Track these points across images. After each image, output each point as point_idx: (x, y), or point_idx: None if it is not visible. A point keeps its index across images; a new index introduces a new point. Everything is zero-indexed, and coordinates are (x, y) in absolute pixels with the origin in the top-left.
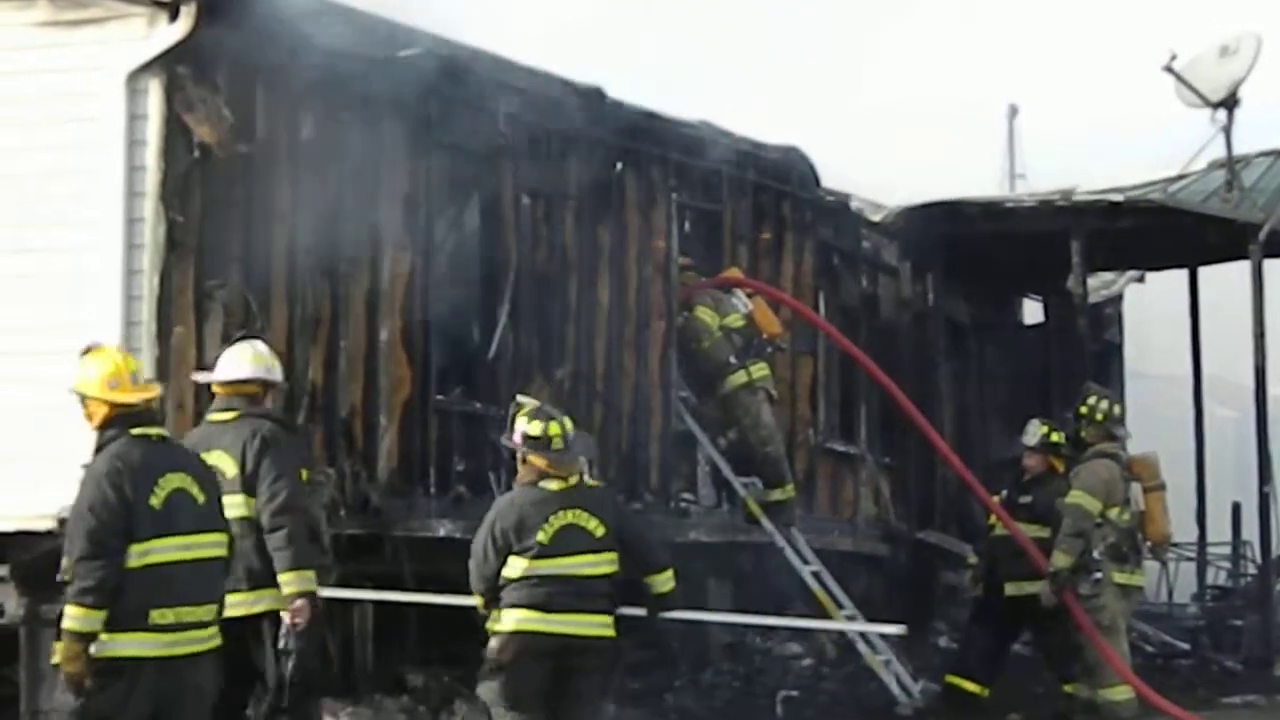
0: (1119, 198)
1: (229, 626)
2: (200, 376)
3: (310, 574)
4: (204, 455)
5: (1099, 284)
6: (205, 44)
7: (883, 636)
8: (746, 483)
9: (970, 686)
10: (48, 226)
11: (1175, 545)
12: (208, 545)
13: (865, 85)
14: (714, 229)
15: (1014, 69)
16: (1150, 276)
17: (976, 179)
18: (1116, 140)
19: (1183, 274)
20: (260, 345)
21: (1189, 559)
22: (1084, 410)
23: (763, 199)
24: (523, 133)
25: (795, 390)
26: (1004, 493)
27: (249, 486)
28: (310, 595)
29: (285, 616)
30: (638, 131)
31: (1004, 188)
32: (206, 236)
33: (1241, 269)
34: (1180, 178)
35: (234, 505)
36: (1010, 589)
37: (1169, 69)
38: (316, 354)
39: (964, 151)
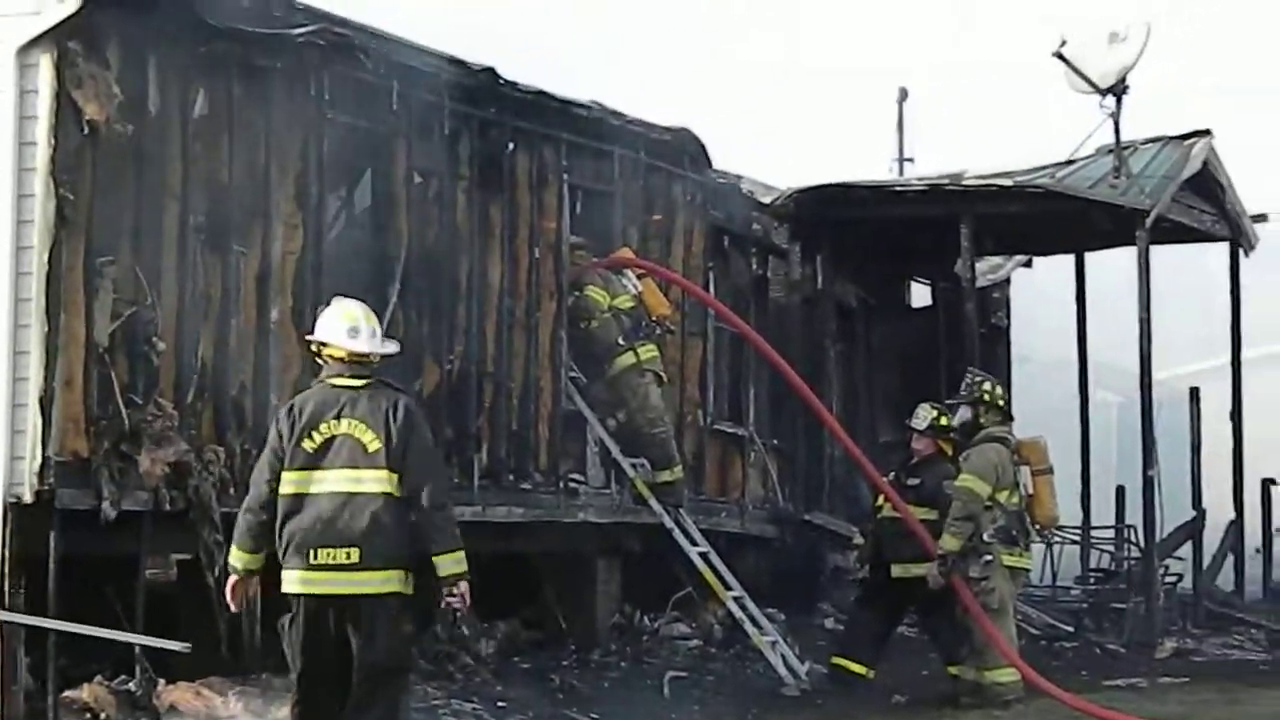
0: (1008, 182)
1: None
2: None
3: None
4: (332, 423)
5: (987, 268)
6: (96, 20)
7: (770, 618)
8: (635, 463)
9: (856, 668)
10: None
11: (1060, 528)
12: None
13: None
14: (605, 210)
15: (904, 51)
16: (1038, 261)
17: (867, 162)
18: (1006, 125)
19: (1070, 259)
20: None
21: (1073, 542)
22: (985, 396)
23: (654, 180)
24: (415, 111)
25: (684, 372)
26: (892, 475)
27: (394, 462)
28: (467, 577)
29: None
30: (530, 111)
31: (894, 171)
32: (96, 213)
33: (1128, 255)
34: (1069, 163)
35: (379, 480)
36: (897, 570)
37: (1059, 55)
38: (207, 332)
39: (855, 134)
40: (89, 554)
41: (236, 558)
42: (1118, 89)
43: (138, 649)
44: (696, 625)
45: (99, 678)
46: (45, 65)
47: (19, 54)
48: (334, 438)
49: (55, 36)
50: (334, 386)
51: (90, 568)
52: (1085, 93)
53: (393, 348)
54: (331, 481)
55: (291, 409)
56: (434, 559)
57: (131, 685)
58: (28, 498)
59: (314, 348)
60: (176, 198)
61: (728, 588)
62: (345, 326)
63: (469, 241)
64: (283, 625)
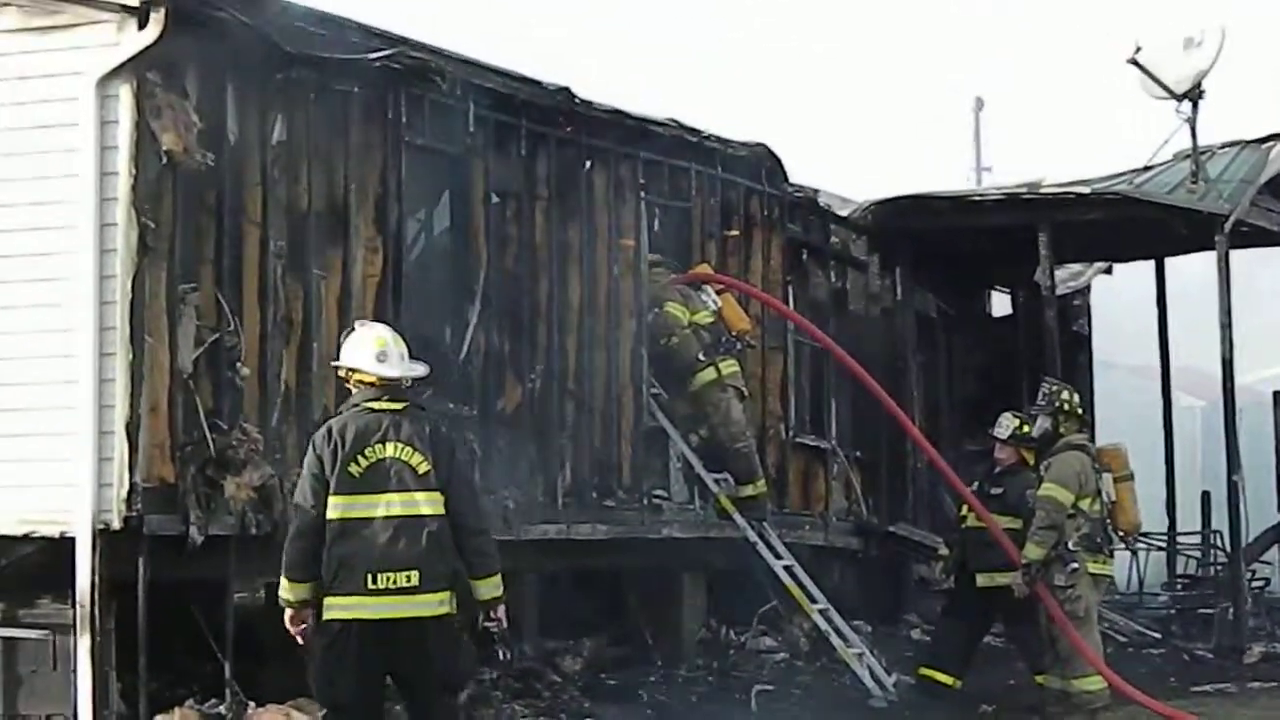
0: (1085, 190)
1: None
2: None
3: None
4: (378, 447)
5: (1067, 275)
6: (174, 50)
7: (856, 630)
8: (718, 478)
9: (943, 678)
10: (20, 232)
11: (1145, 535)
12: None
13: (834, 80)
14: (683, 226)
15: (980, 62)
16: (1118, 267)
17: (944, 172)
18: (1083, 133)
19: (1150, 265)
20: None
21: (1159, 548)
22: (1065, 405)
23: (731, 195)
24: (492, 132)
25: (766, 385)
26: (975, 484)
27: (441, 484)
28: (505, 600)
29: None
30: (606, 129)
31: (971, 181)
32: (178, 241)
33: (1208, 258)
34: (1146, 169)
35: (431, 502)
36: (982, 580)
37: (1134, 61)
38: (290, 356)
39: (932, 145)
40: (177, 579)
41: (290, 590)
42: (1193, 94)
43: (227, 672)
44: (783, 638)
45: (190, 701)
46: (125, 96)
47: (99, 85)
48: (382, 460)
49: (134, 67)
50: (373, 410)
51: (179, 592)
52: (1161, 98)
53: (422, 370)
54: (384, 506)
55: (330, 433)
56: (474, 583)
57: (222, 709)
58: (116, 524)
59: (343, 373)
60: (257, 224)
61: (813, 600)
62: (374, 351)
63: (548, 260)
64: (316, 652)
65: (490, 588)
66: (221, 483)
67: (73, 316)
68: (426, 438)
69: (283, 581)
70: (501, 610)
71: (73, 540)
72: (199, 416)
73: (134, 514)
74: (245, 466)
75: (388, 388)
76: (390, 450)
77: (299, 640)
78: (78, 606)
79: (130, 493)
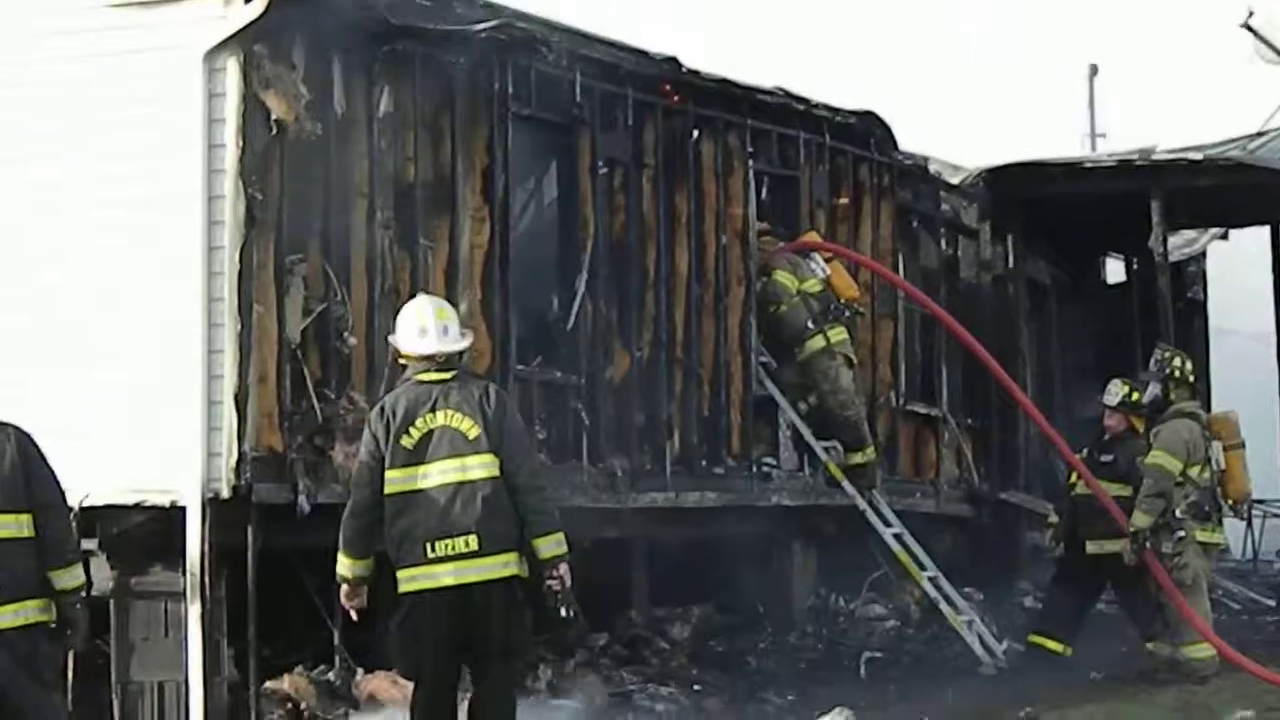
0: (1198, 156)
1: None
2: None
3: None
4: (428, 416)
5: (1182, 242)
6: (281, 22)
7: (967, 597)
8: (828, 446)
9: (1053, 645)
10: (129, 205)
11: (1260, 502)
12: None
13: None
14: (791, 194)
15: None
16: (1237, 232)
17: (1058, 139)
18: (1199, 98)
19: (1265, 230)
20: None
21: (1275, 515)
22: (1175, 372)
23: (840, 163)
24: (598, 102)
25: (876, 353)
26: (1085, 451)
27: (494, 445)
28: (568, 558)
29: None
30: (713, 99)
31: (1086, 147)
32: (286, 212)
33: None
34: (1260, 134)
35: (484, 465)
36: (1092, 547)
37: (1247, 26)
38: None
39: (1045, 112)
40: (286, 546)
41: (347, 566)
42: None
43: (336, 639)
44: (893, 606)
45: (299, 668)
46: (232, 68)
47: (206, 58)
48: (432, 430)
49: (241, 40)
50: (421, 383)
51: (288, 560)
52: (1275, 63)
53: (463, 343)
54: (437, 474)
55: (383, 410)
56: (534, 542)
57: (331, 675)
58: (225, 493)
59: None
60: (364, 195)
61: (923, 568)
62: (415, 327)
63: (655, 230)
64: (393, 626)
65: (551, 545)
66: (329, 451)
67: (181, 288)
68: (476, 402)
69: (339, 558)
70: (564, 569)
71: (183, 509)
72: (306, 386)
73: (243, 483)
74: (353, 436)
75: (435, 359)
76: (440, 419)
77: (353, 616)
78: (188, 574)
79: (239, 462)
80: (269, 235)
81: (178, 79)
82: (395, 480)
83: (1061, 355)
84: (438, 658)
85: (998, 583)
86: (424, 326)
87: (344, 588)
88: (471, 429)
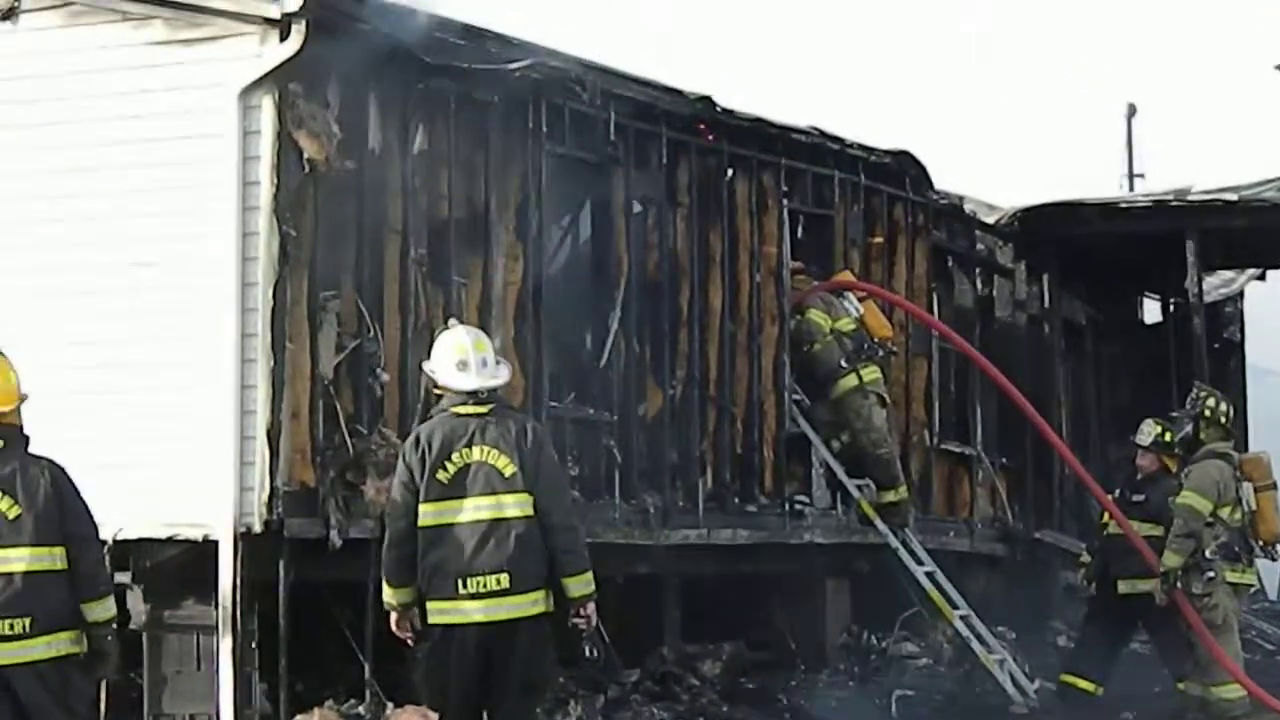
0: (1233, 196)
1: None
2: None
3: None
4: (465, 451)
5: (1219, 282)
6: (316, 60)
7: (999, 636)
8: (860, 484)
9: (1084, 685)
10: (163, 241)
11: None
12: None
13: (984, 86)
14: (826, 233)
15: (1133, 68)
16: (1272, 274)
17: (1096, 179)
18: (1238, 139)
19: None
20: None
21: None
22: (1207, 412)
23: (874, 202)
24: (632, 141)
25: (910, 392)
26: (1118, 491)
27: (529, 484)
28: (594, 598)
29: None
30: (748, 137)
31: (1124, 188)
32: (319, 249)
33: None
34: None
35: (519, 504)
36: (1124, 586)
37: None
38: (420, 364)
39: (1083, 152)
40: (318, 581)
41: (391, 595)
42: None
43: (367, 673)
44: (925, 644)
45: (330, 702)
46: (267, 106)
47: (241, 96)
48: (468, 465)
49: (276, 78)
50: (458, 415)
51: (319, 594)
52: None
53: (503, 378)
54: (471, 509)
55: (418, 441)
56: (563, 581)
57: (361, 709)
58: (257, 527)
59: (429, 377)
60: (397, 232)
61: (955, 606)
62: (454, 360)
63: (689, 268)
64: (420, 655)
65: (580, 585)
66: (361, 487)
67: (215, 323)
68: (513, 439)
69: (384, 587)
70: (591, 608)
71: (215, 543)
72: (339, 421)
73: (275, 517)
74: (385, 471)
75: (473, 392)
76: (477, 454)
77: (409, 642)
78: (220, 608)
79: (271, 496)
80: (303, 271)
81: (213, 116)
82: (429, 514)
83: (1097, 395)
84: (463, 690)
85: (1031, 622)
86: (464, 360)
87: (393, 616)
88: (508, 466)
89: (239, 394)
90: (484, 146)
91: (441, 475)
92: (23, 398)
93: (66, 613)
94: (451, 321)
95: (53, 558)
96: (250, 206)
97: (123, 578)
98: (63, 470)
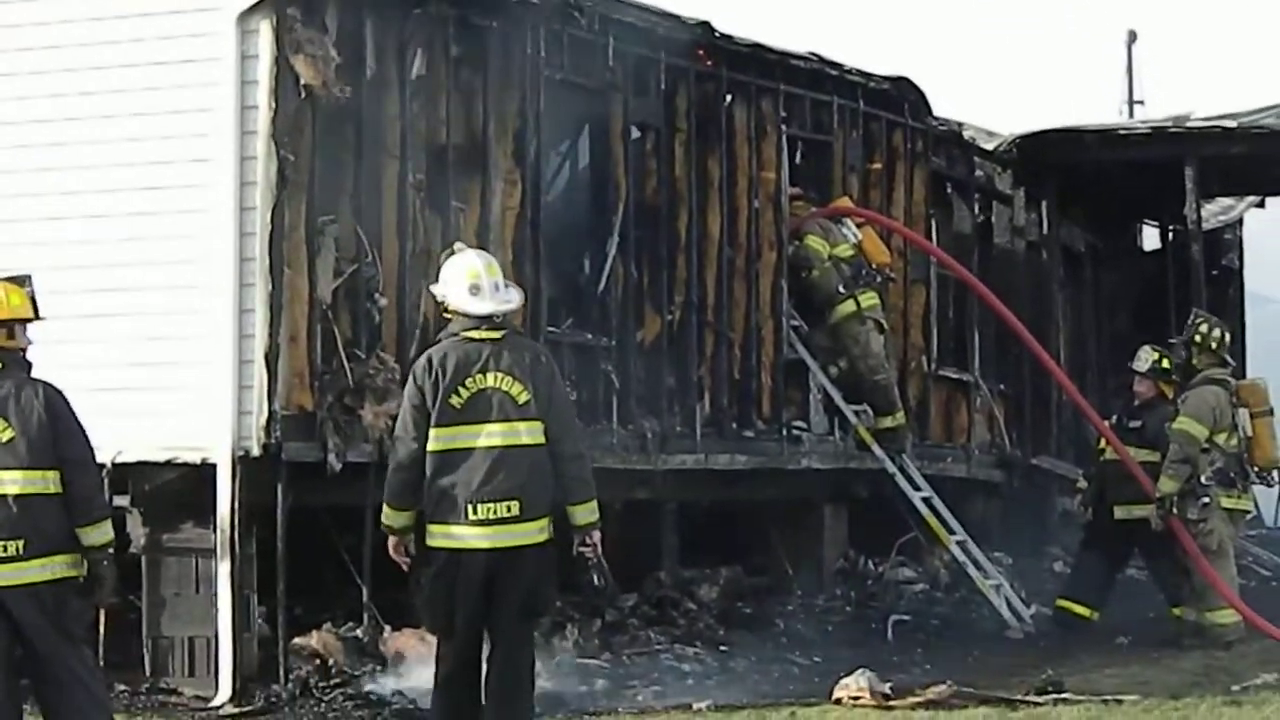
0: (1232, 123)
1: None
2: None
3: None
4: (479, 377)
5: (1218, 210)
6: None
7: (996, 562)
8: (857, 410)
9: (1080, 610)
10: (162, 166)
11: None
12: None
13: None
14: (824, 159)
15: None
16: (1271, 201)
17: (1095, 106)
18: (1238, 66)
19: None
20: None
21: None
22: (1198, 338)
23: (873, 128)
24: (631, 67)
25: (908, 318)
26: (1115, 417)
27: (541, 412)
28: (599, 525)
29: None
30: (746, 63)
31: (1123, 115)
32: (317, 173)
33: None
34: None
35: (532, 432)
36: (1119, 512)
37: None
38: (427, 288)
39: (1083, 79)
40: (316, 504)
41: (392, 517)
42: None
43: (365, 597)
44: (922, 569)
45: (328, 625)
46: (265, 31)
47: (239, 20)
48: (482, 391)
49: (274, 3)
50: (472, 340)
51: (318, 518)
52: None
53: (515, 302)
54: (485, 436)
55: (430, 364)
56: (569, 508)
57: (359, 632)
58: (255, 451)
59: (438, 300)
60: (395, 157)
61: (951, 532)
62: (466, 284)
63: (687, 194)
64: (423, 581)
65: (586, 513)
66: (359, 411)
67: (212, 248)
68: (526, 366)
69: (385, 509)
70: (596, 536)
71: (213, 466)
72: (337, 346)
73: (273, 441)
74: (383, 396)
75: (486, 316)
76: (491, 380)
77: (403, 566)
78: (218, 531)
79: (269, 420)
80: (301, 196)
81: (211, 40)
82: (440, 438)
83: (1096, 322)
84: (467, 614)
85: (1028, 547)
86: (476, 284)
87: (390, 539)
88: (521, 394)
89: (237, 318)
90: (482, 72)
91: (454, 400)
92: (21, 321)
93: (62, 536)
94: (458, 245)
95: (46, 481)
96: (248, 131)
97: (121, 501)
98: (59, 393)
